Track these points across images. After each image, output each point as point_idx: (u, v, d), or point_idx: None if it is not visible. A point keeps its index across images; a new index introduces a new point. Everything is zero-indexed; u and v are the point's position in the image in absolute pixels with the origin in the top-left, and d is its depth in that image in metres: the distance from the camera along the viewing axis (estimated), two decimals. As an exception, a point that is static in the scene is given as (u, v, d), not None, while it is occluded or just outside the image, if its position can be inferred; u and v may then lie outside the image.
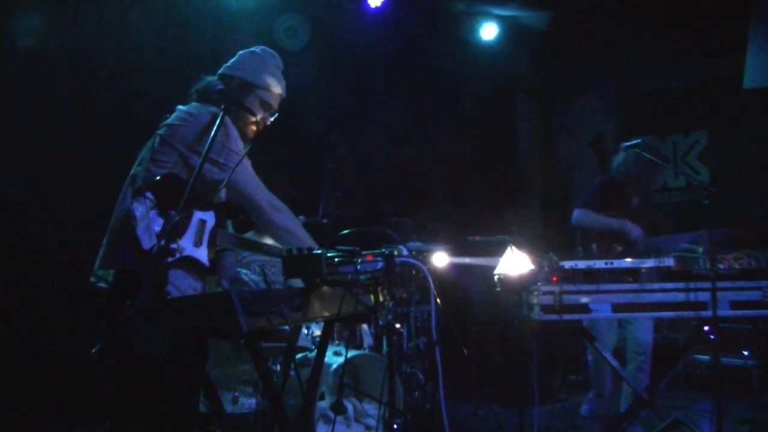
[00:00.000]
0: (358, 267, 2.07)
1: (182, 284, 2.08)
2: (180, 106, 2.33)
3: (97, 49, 4.19)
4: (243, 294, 1.79)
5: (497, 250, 3.27)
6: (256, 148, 2.41)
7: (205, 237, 2.16)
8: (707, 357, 4.97)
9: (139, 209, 1.98)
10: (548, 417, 4.27)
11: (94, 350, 1.98)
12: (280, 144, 4.50)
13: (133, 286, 1.77)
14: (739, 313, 2.92)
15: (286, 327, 2.00)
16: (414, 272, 2.31)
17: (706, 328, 2.96)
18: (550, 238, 4.47)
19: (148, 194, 2.02)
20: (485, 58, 6.43)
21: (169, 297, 1.92)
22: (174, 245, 1.98)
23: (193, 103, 2.32)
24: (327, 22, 5.32)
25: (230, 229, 2.47)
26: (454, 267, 4.15)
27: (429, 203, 6.04)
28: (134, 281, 1.82)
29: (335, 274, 2.03)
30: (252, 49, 2.51)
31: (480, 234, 5.27)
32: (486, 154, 6.88)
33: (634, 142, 3.57)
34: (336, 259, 2.04)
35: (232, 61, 2.48)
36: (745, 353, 4.96)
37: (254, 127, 2.44)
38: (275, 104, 2.50)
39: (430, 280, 2.26)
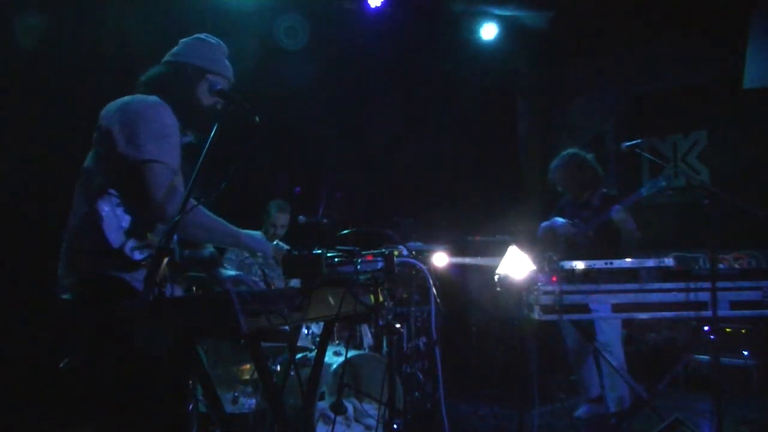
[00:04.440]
0: (358, 267, 2.07)
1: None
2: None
3: (97, 49, 4.18)
4: (243, 294, 1.79)
5: (497, 250, 3.27)
6: (256, 148, 2.40)
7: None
8: (707, 357, 4.98)
9: (105, 208, 1.96)
10: (548, 417, 4.27)
11: (63, 364, 1.95)
12: (280, 144, 4.51)
13: (106, 290, 1.74)
14: (739, 313, 2.92)
15: (286, 327, 1.99)
16: (414, 272, 2.30)
17: (706, 328, 2.96)
18: (550, 238, 4.47)
19: (112, 190, 1.99)
20: (485, 58, 6.42)
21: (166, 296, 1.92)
22: (172, 245, 1.98)
23: (137, 94, 2.24)
24: (327, 22, 5.32)
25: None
26: (454, 267, 4.16)
27: (429, 203, 6.03)
28: (106, 285, 1.79)
29: (335, 274, 2.03)
30: (197, 35, 2.42)
31: (480, 234, 5.28)
32: (486, 154, 6.87)
33: (634, 142, 3.58)
34: (336, 259, 2.04)
35: (177, 48, 2.40)
36: (745, 353, 4.96)
37: (206, 115, 2.28)
38: (226, 88, 2.36)
39: (430, 280, 2.25)
